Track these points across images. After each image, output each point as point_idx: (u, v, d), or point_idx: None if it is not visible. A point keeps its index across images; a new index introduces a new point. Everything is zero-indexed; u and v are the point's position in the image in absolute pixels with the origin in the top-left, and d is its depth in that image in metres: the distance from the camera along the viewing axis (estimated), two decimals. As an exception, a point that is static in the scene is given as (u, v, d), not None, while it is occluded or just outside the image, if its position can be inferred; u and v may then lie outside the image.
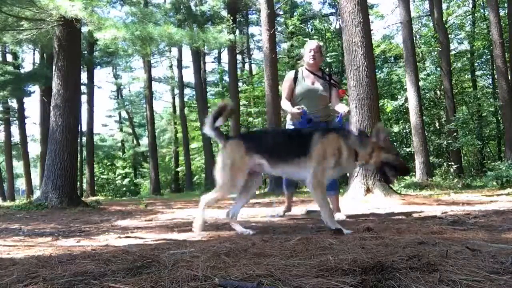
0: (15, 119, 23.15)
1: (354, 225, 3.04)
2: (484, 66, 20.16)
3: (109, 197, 19.91)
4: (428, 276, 1.26)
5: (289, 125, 3.92)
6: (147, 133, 24.84)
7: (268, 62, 12.50)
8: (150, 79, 23.41)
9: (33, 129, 62.96)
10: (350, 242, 1.99)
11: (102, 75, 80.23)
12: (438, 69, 17.21)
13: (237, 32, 20.14)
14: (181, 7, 18.71)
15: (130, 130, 32.36)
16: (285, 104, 3.80)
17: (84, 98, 19.79)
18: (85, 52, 18.50)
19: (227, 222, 3.24)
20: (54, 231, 3.49)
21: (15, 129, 24.45)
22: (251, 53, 26.44)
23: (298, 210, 5.17)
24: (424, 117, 14.08)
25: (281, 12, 21.55)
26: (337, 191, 4.00)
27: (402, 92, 17.37)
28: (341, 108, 3.78)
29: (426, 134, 16.26)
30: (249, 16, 23.31)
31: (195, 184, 24.49)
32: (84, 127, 20.98)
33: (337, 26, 21.47)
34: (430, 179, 11.48)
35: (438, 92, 18.98)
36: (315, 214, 3.11)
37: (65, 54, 7.49)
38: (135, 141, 31.82)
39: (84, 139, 21.61)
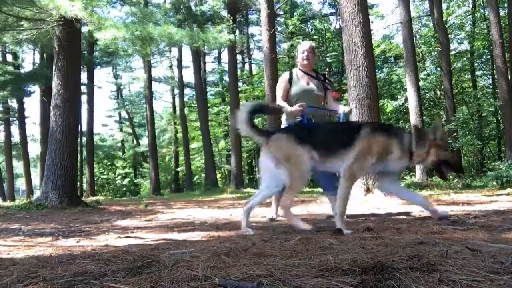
0: (15, 119, 23.15)
1: (354, 225, 3.04)
2: (484, 66, 20.16)
3: (109, 197, 19.91)
4: (428, 276, 1.26)
5: (284, 125, 3.89)
6: (147, 133, 24.84)
7: (268, 62, 12.50)
8: (150, 79, 23.41)
9: (33, 129, 62.99)
10: (350, 242, 1.99)
11: (102, 75, 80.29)
12: (438, 69, 17.21)
13: (237, 32, 20.14)
14: (181, 7, 18.71)
15: (130, 130, 32.35)
16: (282, 103, 3.80)
17: (84, 98, 19.79)
18: (85, 52, 18.50)
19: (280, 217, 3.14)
20: (54, 231, 3.49)
21: (15, 129, 24.47)
22: (251, 53, 26.44)
23: (299, 210, 5.17)
24: (424, 117, 14.08)
25: (281, 12, 21.55)
26: (337, 191, 4.00)
27: (402, 92, 17.37)
28: (340, 108, 3.78)
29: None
30: (249, 16, 23.31)
31: (195, 184, 24.49)
32: (84, 127, 20.98)
33: (337, 26, 21.47)
34: (430, 179, 11.48)
35: (438, 92, 18.99)
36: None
37: (65, 54, 7.49)
38: (135, 141, 31.82)
39: (84, 139, 21.61)
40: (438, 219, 2.92)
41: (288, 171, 2.70)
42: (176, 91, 26.75)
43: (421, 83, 15.15)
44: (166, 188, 27.89)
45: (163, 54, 26.13)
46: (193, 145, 26.01)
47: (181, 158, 27.12)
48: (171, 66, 28.11)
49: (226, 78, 24.08)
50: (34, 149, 27.65)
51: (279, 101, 3.80)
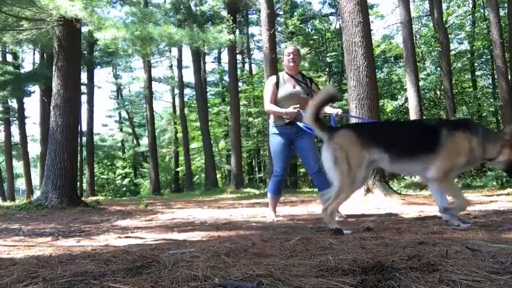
0: (15, 119, 23.16)
1: (354, 225, 3.04)
2: (484, 66, 20.16)
3: (109, 197, 19.91)
4: (428, 276, 1.26)
5: (272, 128, 3.87)
6: (147, 133, 24.83)
7: (268, 62, 12.50)
8: (150, 79, 23.41)
9: (33, 129, 63.02)
10: (350, 242, 1.99)
11: (102, 75, 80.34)
12: (438, 69, 17.21)
13: (237, 32, 20.14)
14: (181, 7, 18.71)
15: (130, 130, 32.36)
16: (273, 107, 3.77)
17: (84, 98, 19.79)
18: (85, 52, 18.50)
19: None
20: (54, 231, 3.49)
21: (15, 129, 24.47)
22: (251, 53, 26.44)
23: (299, 210, 5.17)
24: (424, 117, 14.07)
25: (281, 12, 21.55)
26: None
27: (402, 92, 17.37)
28: (331, 110, 3.75)
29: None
30: (249, 16, 23.31)
31: (195, 184, 24.49)
32: (84, 127, 20.98)
33: (337, 26, 21.46)
34: (430, 179, 11.46)
35: (438, 92, 18.99)
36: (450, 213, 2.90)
37: (65, 54, 7.50)
38: (135, 141, 31.83)
39: (84, 139, 21.61)
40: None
41: (340, 175, 2.59)
42: (176, 91, 26.76)
43: (421, 83, 15.15)
44: (166, 188, 27.89)
45: (163, 54, 26.14)
46: (193, 145, 26.01)
47: (181, 158, 27.13)
48: (171, 66, 28.11)
49: (226, 78, 24.08)
50: (34, 149, 27.67)
51: (270, 105, 3.77)
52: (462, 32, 19.41)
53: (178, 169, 27.25)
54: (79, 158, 18.42)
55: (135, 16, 9.82)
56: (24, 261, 1.80)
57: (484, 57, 18.99)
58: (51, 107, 7.61)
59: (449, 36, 17.39)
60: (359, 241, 2.02)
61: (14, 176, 24.57)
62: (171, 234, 3.00)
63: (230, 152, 20.32)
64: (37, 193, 16.86)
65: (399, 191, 7.69)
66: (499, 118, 16.20)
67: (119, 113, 33.84)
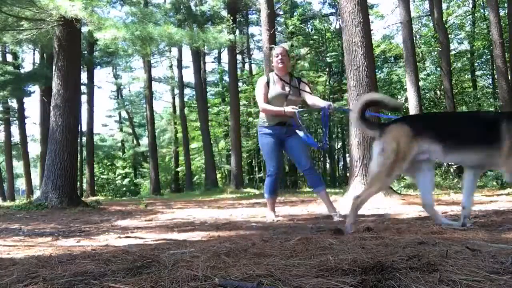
0: (15, 119, 23.16)
1: (354, 225, 3.04)
2: (484, 66, 20.17)
3: (109, 197, 19.91)
4: (428, 276, 1.26)
5: (262, 128, 3.86)
6: (147, 133, 24.83)
7: (268, 62, 12.47)
8: (150, 79, 23.41)
9: (33, 129, 63.02)
10: (350, 242, 1.99)
11: (102, 75, 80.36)
12: (438, 69, 17.21)
13: (237, 32, 20.14)
14: (181, 7, 18.71)
15: (130, 130, 32.36)
16: (269, 106, 3.75)
17: (84, 98, 19.79)
18: (85, 52, 18.50)
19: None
20: (54, 231, 3.49)
21: (15, 129, 24.47)
22: (251, 53, 26.44)
23: (299, 210, 5.17)
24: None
25: (281, 12, 21.55)
26: (324, 186, 3.98)
27: (402, 92, 17.38)
28: (322, 102, 3.73)
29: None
30: (249, 16, 23.32)
31: (195, 184, 24.49)
32: (84, 127, 20.98)
33: (337, 26, 21.47)
34: (430, 179, 11.47)
35: (438, 92, 18.99)
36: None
37: (65, 54, 7.50)
38: (135, 141, 31.82)
39: (84, 139, 21.61)
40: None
41: (380, 165, 2.56)
42: (176, 91, 26.76)
43: (421, 83, 15.15)
44: (166, 188, 27.90)
45: (163, 54, 26.14)
46: (193, 145, 26.01)
47: (181, 158, 27.13)
48: (171, 66, 28.11)
49: (226, 78, 24.07)
50: (34, 149, 27.67)
51: (266, 105, 3.75)
52: (462, 32, 19.41)
53: (178, 169, 27.25)
54: (79, 158, 18.43)
55: (135, 16, 9.83)
56: (24, 261, 1.80)
57: (484, 57, 18.99)
58: (51, 107, 7.61)
59: (449, 36, 17.40)
60: (359, 241, 2.02)
61: (14, 176, 24.57)
62: (171, 234, 3.00)
63: (230, 152, 20.31)
64: (37, 193, 16.86)
65: (399, 191, 7.69)
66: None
67: (119, 113, 33.84)
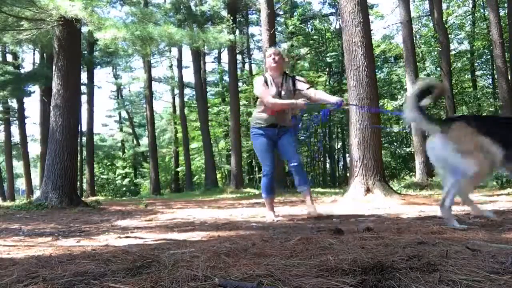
0: (15, 119, 23.16)
1: (354, 225, 3.04)
2: (484, 66, 20.18)
3: (109, 197, 19.92)
4: (428, 276, 1.26)
5: (255, 129, 3.84)
6: (147, 133, 24.84)
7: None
8: (150, 79, 23.41)
9: (33, 129, 63.12)
10: (350, 242, 1.99)
11: (102, 75, 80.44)
12: (438, 69, 17.22)
13: (237, 32, 20.13)
14: (181, 7, 18.71)
15: (130, 130, 32.37)
16: (279, 100, 3.71)
17: (84, 98, 19.80)
18: (85, 52, 18.51)
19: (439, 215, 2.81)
20: (54, 231, 3.49)
21: (15, 129, 24.48)
22: (251, 53, 26.44)
23: (298, 210, 5.17)
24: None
25: (281, 12, 21.55)
26: (309, 186, 3.96)
27: (402, 92, 17.38)
28: (332, 98, 3.70)
29: (426, 134, 16.19)
30: (249, 16, 23.31)
31: (195, 184, 24.50)
32: (84, 127, 20.98)
33: (337, 26, 21.47)
34: (430, 179, 11.49)
35: (438, 92, 18.96)
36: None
37: (65, 54, 7.49)
38: (135, 141, 31.83)
39: (84, 139, 21.61)
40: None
41: (468, 166, 2.44)
42: (176, 91, 26.76)
43: (421, 83, 15.13)
44: (166, 188, 27.91)
45: (163, 54, 26.14)
46: (193, 145, 26.01)
47: (181, 158, 27.13)
48: (171, 66, 28.12)
49: (226, 78, 24.07)
50: (34, 149, 27.69)
51: (272, 99, 3.70)
52: (462, 32, 19.42)
53: (178, 169, 27.25)
54: (79, 158, 18.43)
55: (135, 16, 9.82)
56: (24, 261, 1.80)
57: (484, 57, 19.00)
58: (51, 107, 7.61)
59: (449, 36, 17.40)
60: (359, 241, 2.02)
61: (14, 176, 24.57)
62: (171, 234, 3.00)
63: (230, 152, 20.32)
64: (37, 193, 16.87)
65: (399, 191, 7.70)
66: (499, 118, 16.18)
67: (119, 113, 33.85)
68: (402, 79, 17.56)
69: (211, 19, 19.56)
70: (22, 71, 19.62)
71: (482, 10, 19.07)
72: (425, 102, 2.57)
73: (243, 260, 1.62)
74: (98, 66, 22.64)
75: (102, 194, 23.55)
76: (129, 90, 33.61)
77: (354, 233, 2.44)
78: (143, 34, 7.56)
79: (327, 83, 21.66)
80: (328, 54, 20.66)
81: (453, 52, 18.61)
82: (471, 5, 19.61)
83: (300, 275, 1.34)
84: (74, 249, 2.21)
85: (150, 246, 2.29)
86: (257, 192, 13.52)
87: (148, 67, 23.39)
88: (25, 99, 21.97)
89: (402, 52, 14.01)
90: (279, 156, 3.94)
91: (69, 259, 1.78)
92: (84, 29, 8.29)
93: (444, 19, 16.71)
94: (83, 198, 10.08)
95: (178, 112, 25.64)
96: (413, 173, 13.66)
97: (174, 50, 24.70)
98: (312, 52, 21.95)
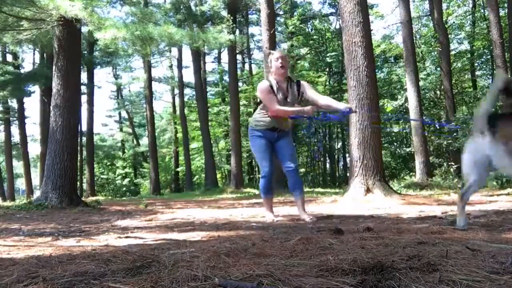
0: (15, 119, 23.17)
1: (354, 225, 3.04)
2: (484, 66, 20.17)
3: (109, 197, 19.92)
4: (428, 276, 1.26)
5: (254, 131, 3.82)
6: (147, 133, 24.85)
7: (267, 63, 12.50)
8: (150, 79, 23.41)
9: (33, 129, 63.11)
10: (350, 242, 1.99)
11: (102, 75, 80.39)
12: (438, 69, 17.22)
13: (237, 32, 20.13)
14: (181, 7, 18.71)
15: (130, 130, 32.38)
16: (286, 108, 3.66)
17: (84, 98, 19.80)
18: (85, 52, 18.51)
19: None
20: (54, 231, 3.49)
21: (15, 129, 24.49)
22: (251, 53, 26.45)
23: (298, 210, 5.16)
24: (424, 117, 14.08)
25: (281, 12, 21.55)
26: (303, 192, 3.95)
27: (402, 92, 17.39)
28: (341, 105, 3.67)
29: (426, 134, 16.21)
30: (249, 16, 23.31)
31: (195, 184, 24.50)
32: (84, 127, 20.99)
33: (337, 26, 21.48)
34: (430, 179, 11.49)
35: (438, 92, 18.99)
36: None
37: (65, 54, 7.49)
38: (135, 141, 31.84)
39: (84, 139, 21.62)
40: None
41: None
42: (176, 91, 26.77)
43: (421, 83, 15.16)
44: (166, 188, 27.91)
45: (163, 54, 26.15)
46: (193, 145, 26.01)
47: (181, 158, 27.14)
48: (171, 66, 28.13)
49: (226, 78, 24.08)
50: (34, 149, 27.69)
51: (279, 107, 3.64)
52: (462, 32, 19.42)
53: (178, 169, 27.25)
54: (79, 158, 18.43)
55: (135, 16, 9.82)
56: (24, 261, 1.80)
57: (484, 57, 19.00)
58: (51, 107, 7.61)
59: (449, 36, 17.41)
60: (359, 241, 2.02)
61: (14, 176, 24.58)
62: (171, 234, 3.00)
63: (230, 152, 20.32)
64: (37, 193, 16.87)
65: (399, 191, 7.70)
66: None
67: (119, 113, 33.87)
68: (402, 79, 17.56)
69: (211, 19, 19.57)
70: (22, 71, 19.63)
71: (482, 10, 19.06)
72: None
73: (243, 260, 1.62)
74: (98, 66, 22.65)
75: (102, 194, 23.55)
76: (129, 90, 33.65)
77: (354, 233, 2.44)
78: (143, 34, 7.56)
79: (327, 83, 21.67)
80: (328, 54, 20.66)
81: (453, 52, 18.61)
82: (471, 5, 19.61)
83: (300, 275, 1.34)
84: (74, 249, 2.21)
85: (150, 246, 2.29)
86: (257, 192, 13.52)
87: (148, 67, 23.40)
88: (25, 99, 22.00)
89: (402, 52, 14.01)
90: (276, 158, 3.89)
91: (69, 259, 1.78)
92: (84, 29, 8.28)
93: (444, 19, 16.71)
94: (83, 198, 10.08)
95: (178, 112, 25.65)
96: (413, 173, 13.65)
97: (174, 50, 24.73)
98: (312, 52, 21.95)
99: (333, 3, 22.07)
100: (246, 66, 27.44)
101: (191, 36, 8.72)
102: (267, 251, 1.82)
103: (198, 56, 20.36)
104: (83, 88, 19.25)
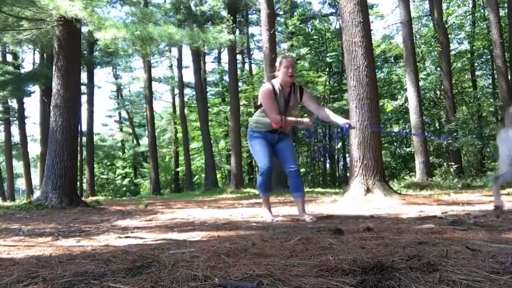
0: (15, 119, 23.18)
1: (354, 225, 3.04)
2: (484, 66, 20.17)
3: (109, 197, 19.92)
4: (428, 276, 1.26)
5: (254, 132, 3.81)
6: (147, 133, 24.85)
7: (268, 62, 12.50)
8: (150, 79, 23.41)
9: (33, 129, 63.16)
10: (350, 242, 1.99)
11: (102, 75, 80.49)
12: (438, 69, 17.23)
13: (237, 32, 20.14)
14: (181, 7, 18.71)
15: (130, 130, 32.39)
16: (284, 117, 3.64)
17: (84, 98, 19.81)
18: (85, 52, 18.51)
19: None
20: (54, 231, 3.49)
21: (15, 129, 24.50)
22: (251, 53, 26.45)
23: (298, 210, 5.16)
24: (424, 117, 14.08)
25: (281, 12, 21.55)
26: (304, 194, 3.95)
27: (402, 92, 17.39)
28: (340, 119, 3.64)
29: (426, 134, 16.23)
30: (249, 16, 23.32)
31: (195, 184, 24.51)
32: (84, 127, 20.99)
33: (337, 26, 21.48)
34: (430, 179, 11.49)
35: (438, 92, 19.00)
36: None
37: (65, 54, 7.49)
38: (135, 141, 31.85)
39: (84, 139, 21.62)
40: None
41: None
42: (176, 91, 26.77)
43: (421, 83, 15.16)
44: (166, 188, 27.92)
45: (163, 54, 26.16)
46: (193, 145, 26.02)
47: (181, 158, 27.14)
48: (171, 66, 28.13)
49: (226, 78, 24.09)
50: (34, 149, 27.72)
51: (278, 116, 3.62)
52: (462, 32, 19.42)
53: (178, 169, 27.26)
54: (79, 158, 18.43)
55: (135, 16, 9.81)
56: (24, 261, 1.80)
57: (484, 57, 19.00)
58: (51, 107, 7.61)
59: (449, 36, 17.41)
60: (359, 241, 2.02)
61: (14, 176, 24.58)
62: (171, 234, 2.99)
63: (230, 152, 20.32)
64: (37, 193, 16.87)
65: (399, 191, 7.70)
66: (499, 118, 16.19)
67: (119, 113, 33.89)
68: (402, 79, 17.56)
69: (211, 19, 19.57)
70: (22, 71, 19.64)
71: (482, 10, 19.07)
72: None
73: (243, 260, 1.62)
74: (98, 66, 22.66)
75: (102, 194, 23.56)
76: (129, 90, 33.66)
77: (354, 233, 2.44)
78: (143, 34, 7.55)
79: (327, 83, 21.67)
80: (328, 54, 20.67)
81: (453, 52, 18.61)
82: (471, 5, 19.61)
83: (300, 275, 1.34)
84: (74, 249, 2.21)
85: (150, 246, 2.29)
86: (257, 192, 13.53)
87: (148, 67, 23.40)
88: (25, 99, 22.02)
89: (402, 52, 14.01)
90: (277, 159, 3.88)
91: (69, 259, 1.78)
92: (84, 29, 8.29)
93: (444, 19, 16.71)
94: (83, 198, 10.08)
95: (178, 112, 25.65)
96: (413, 173, 13.65)
97: (174, 50, 24.75)
98: (312, 52, 21.95)
99: (333, 3, 22.08)
100: (246, 66, 27.46)
101: (191, 36, 8.72)
102: (267, 251, 1.82)
103: (198, 56, 20.36)
104: (83, 88, 19.25)
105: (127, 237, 2.92)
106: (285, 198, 8.23)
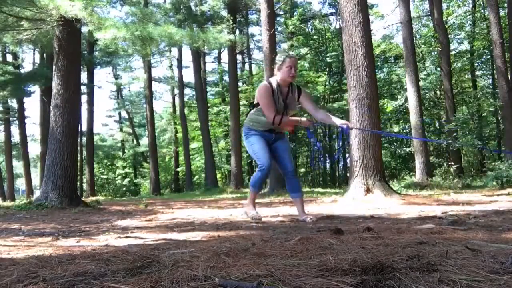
0: (15, 119, 23.18)
1: (354, 225, 3.04)
2: (484, 66, 20.18)
3: (109, 197, 19.92)
4: (428, 276, 1.26)
5: (250, 131, 3.78)
6: (147, 133, 24.84)
7: (268, 62, 12.48)
8: (150, 79, 23.42)
9: (33, 129, 63.18)
10: (350, 242, 1.99)
11: (102, 75, 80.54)
12: (438, 69, 17.22)
13: (237, 32, 20.15)
14: (181, 7, 18.72)
15: (130, 130, 32.39)
16: (283, 117, 3.63)
17: (84, 98, 19.82)
18: (85, 52, 18.52)
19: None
20: (54, 231, 3.49)
21: (15, 129, 24.51)
22: (251, 53, 26.46)
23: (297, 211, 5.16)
24: (424, 117, 14.08)
25: (281, 12, 21.55)
26: (302, 193, 3.93)
27: (402, 92, 17.39)
28: (337, 120, 3.63)
29: (426, 134, 16.25)
30: (249, 16, 23.33)
31: (195, 184, 24.51)
32: (84, 127, 21.00)
33: (337, 26, 21.48)
34: (430, 179, 11.49)
35: (438, 92, 18.99)
36: None
37: (65, 54, 7.49)
38: (135, 141, 31.85)
39: (84, 139, 21.62)
40: None
41: None
42: (176, 91, 26.77)
43: (421, 83, 15.16)
44: (166, 188, 27.91)
45: (163, 54, 26.16)
46: (193, 145, 26.02)
47: (181, 158, 27.15)
48: (171, 66, 28.14)
49: (226, 78, 24.09)
50: (34, 149, 27.71)
51: (273, 115, 3.58)
52: (462, 32, 19.43)
53: (178, 169, 27.26)
54: (79, 158, 18.44)
55: (135, 16, 9.81)
56: (24, 261, 1.80)
57: (484, 57, 19.01)
58: (51, 107, 7.61)
59: (449, 36, 17.41)
60: (359, 241, 2.02)
61: (14, 176, 24.59)
62: (171, 234, 2.99)
63: (230, 152, 20.33)
64: (37, 193, 16.87)
65: (399, 191, 7.70)
66: (499, 118, 16.20)
67: (119, 113, 33.89)
68: (402, 79, 17.56)
69: (211, 19, 19.58)
70: (22, 71, 19.65)
71: (482, 10, 19.07)
72: None
73: (243, 260, 1.62)
74: (98, 66, 22.67)
75: (102, 194, 23.56)
76: (129, 90, 33.68)
77: (354, 233, 2.44)
78: (143, 34, 7.55)
79: (327, 83, 21.67)
80: (328, 54, 20.67)
81: (453, 52, 18.61)
82: (471, 5, 19.61)
83: (300, 275, 1.34)
84: (74, 249, 2.21)
85: (150, 246, 2.29)
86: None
87: (148, 67, 23.40)
88: (25, 99, 22.04)
89: (402, 52, 14.01)
90: (272, 159, 3.85)
91: (69, 259, 1.78)
92: (84, 29, 8.29)
93: (444, 19, 16.71)
94: (83, 198, 10.08)
95: (178, 112, 25.65)
96: (413, 173, 13.66)
97: (174, 50, 24.75)
98: (312, 52, 21.95)
99: (333, 3, 22.08)
100: (246, 66, 27.46)
101: (191, 36, 8.72)
102: (267, 251, 1.82)
103: (198, 56, 20.37)
104: (83, 88, 19.26)
105: (127, 237, 2.92)
106: (285, 198, 8.23)
